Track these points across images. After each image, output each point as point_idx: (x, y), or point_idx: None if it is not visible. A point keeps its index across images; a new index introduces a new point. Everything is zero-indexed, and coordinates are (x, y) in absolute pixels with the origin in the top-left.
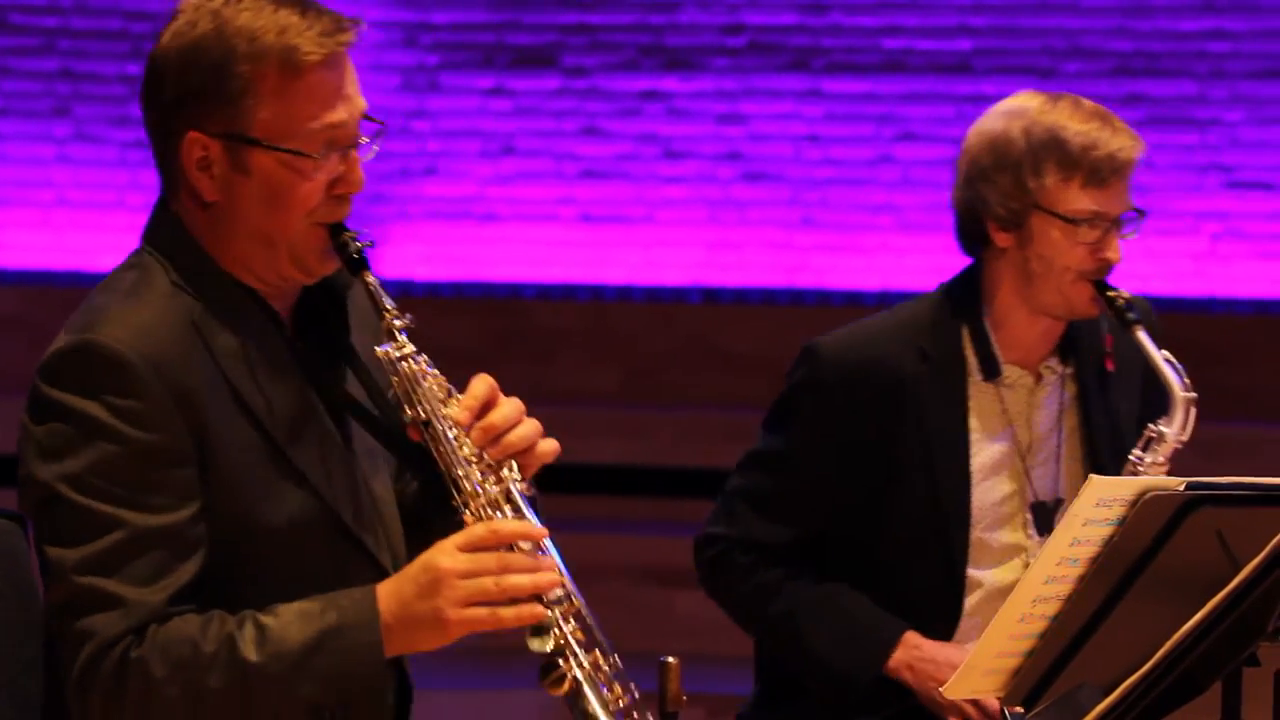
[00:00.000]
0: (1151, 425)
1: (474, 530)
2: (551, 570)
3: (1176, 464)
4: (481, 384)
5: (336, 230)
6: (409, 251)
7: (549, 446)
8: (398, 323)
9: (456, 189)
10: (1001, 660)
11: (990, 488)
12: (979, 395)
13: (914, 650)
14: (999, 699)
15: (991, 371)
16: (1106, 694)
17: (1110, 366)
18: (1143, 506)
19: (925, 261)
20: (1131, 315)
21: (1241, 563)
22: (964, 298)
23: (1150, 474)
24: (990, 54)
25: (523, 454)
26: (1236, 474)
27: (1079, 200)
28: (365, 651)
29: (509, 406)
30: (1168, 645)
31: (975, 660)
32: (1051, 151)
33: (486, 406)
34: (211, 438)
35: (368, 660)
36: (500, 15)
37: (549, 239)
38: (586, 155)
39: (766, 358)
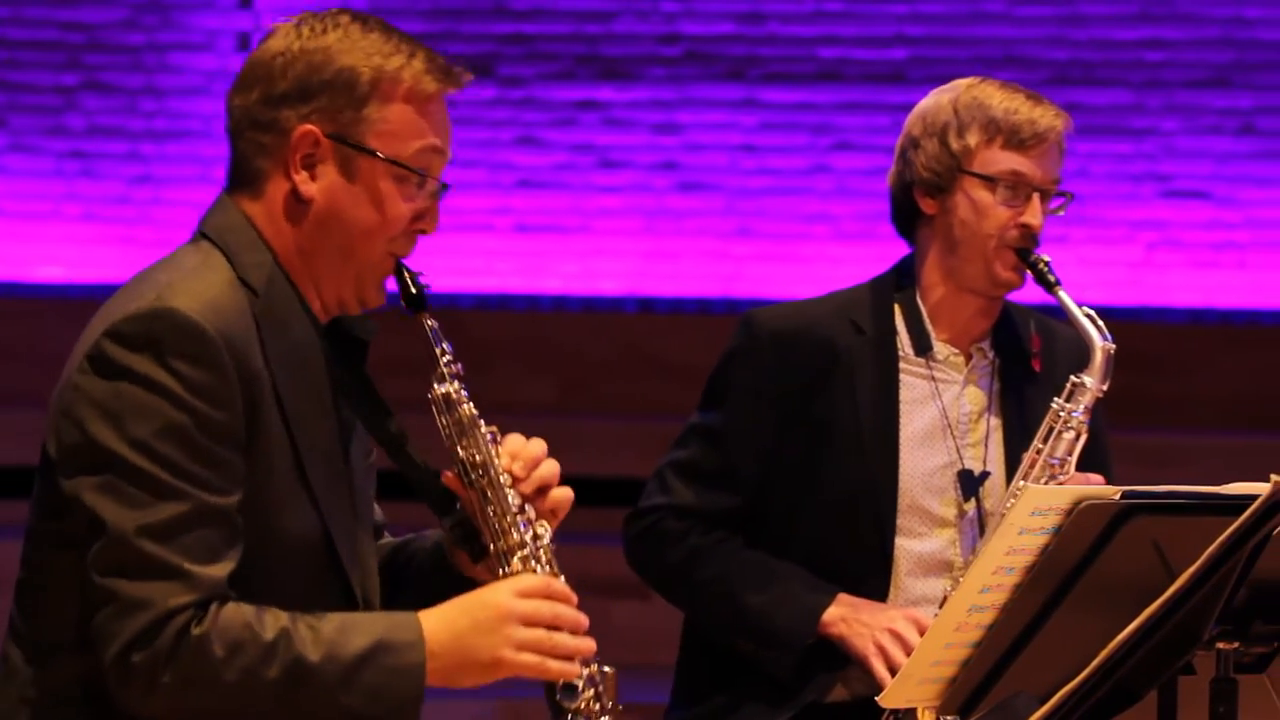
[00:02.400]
0: (1074, 376)
1: (530, 579)
2: (586, 628)
3: (1113, 473)
4: (520, 438)
5: (401, 266)
6: None
7: (566, 497)
8: (453, 367)
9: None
10: (938, 669)
11: (920, 459)
12: (910, 369)
13: (848, 606)
14: (934, 708)
15: (923, 346)
16: (1043, 703)
17: (1037, 367)
18: (1078, 515)
19: (861, 271)
20: (1053, 277)
21: (1177, 571)
22: (899, 278)
23: (1073, 423)
24: (926, 63)
25: (550, 515)
26: (1172, 483)
27: (1000, 161)
28: (411, 672)
29: (553, 465)
30: (1103, 654)
31: (911, 669)
32: (976, 116)
33: (536, 461)
34: (258, 430)
35: (411, 682)
36: (436, 25)
37: (485, 249)
38: (522, 165)
39: (702, 367)
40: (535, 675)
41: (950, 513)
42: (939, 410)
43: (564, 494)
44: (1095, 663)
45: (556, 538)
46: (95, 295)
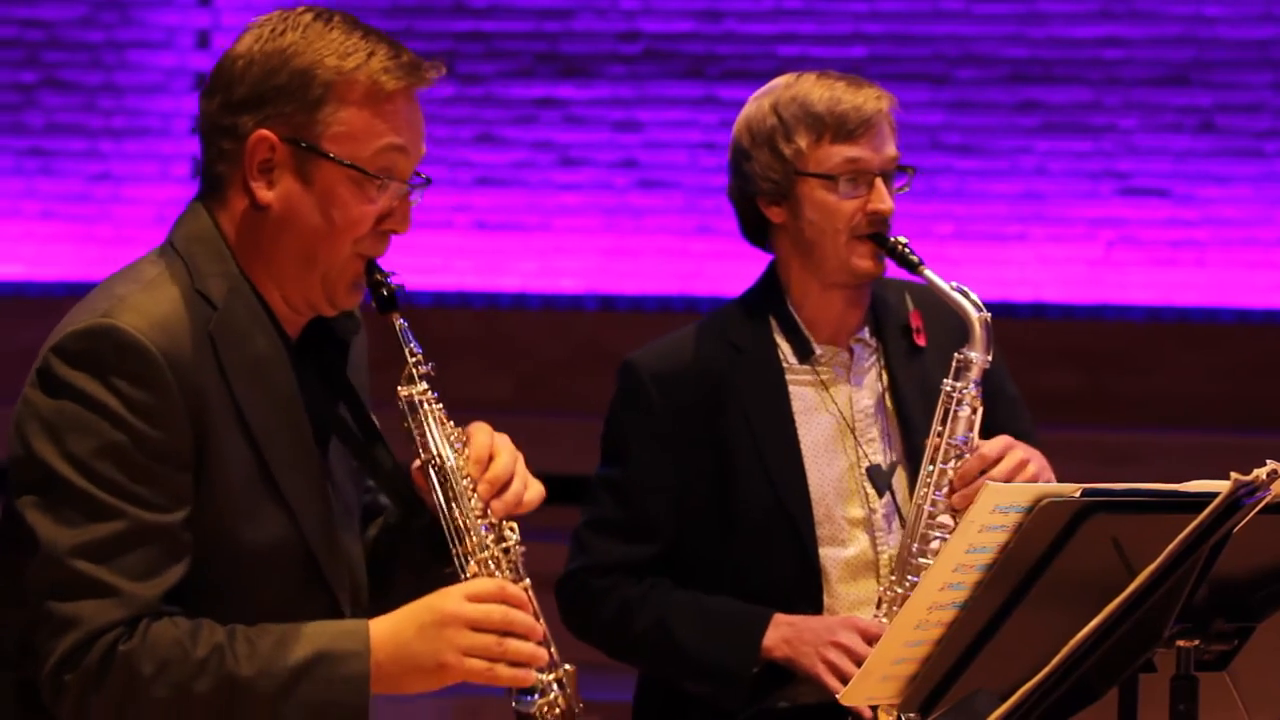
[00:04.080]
0: (958, 353)
1: (483, 583)
2: (542, 638)
3: (1072, 471)
4: (483, 434)
5: (372, 268)
6: None
7: (535, 495)
8: (421, 368)
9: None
10: (898, 666)
11: (825, 464)
12: (796, 377)
13: (786, 626)
14: (895, 705)
15: (804, 353)
16: (1003, 700)
17: (921, 342)
18: (1038, 513)
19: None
20: (915, 257)
21: (1137, 569)
22: (766, 290)
23: (966, 399)
24: (885, 61)
25: (513, 518)
26: (1132, 481)
27: (833, 156)
28: (353, 683)
29: (507, 456)
30: (1064, 651)
31: (872, 666)
32: (799, 117)
33: (490, 459)
34: (210, 447)
35: (354, 692)
36: (394, 23)
37: (444, 246)
38: (481, 162)
39: None
40: (484, 681)
41: (863, 510)
42: (834, 413)
43: (516, 493)
44: (1056, 660)
45: (523, 535)
46: (53, 293)
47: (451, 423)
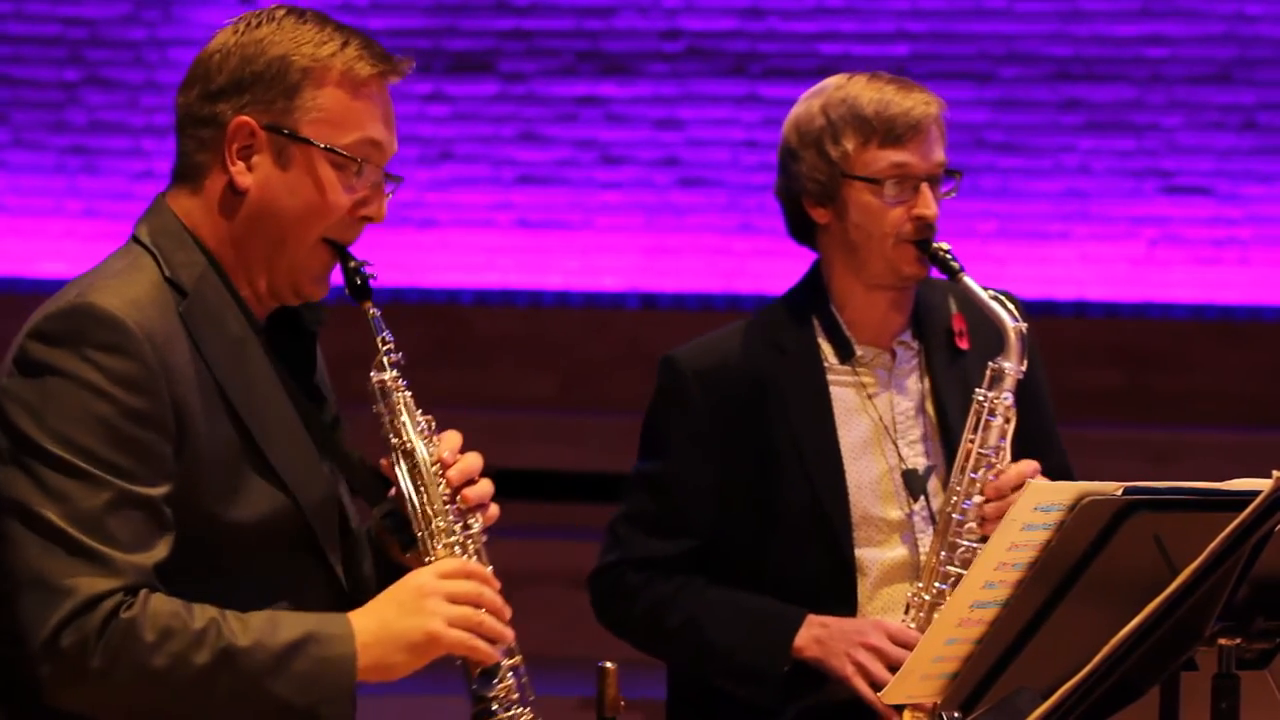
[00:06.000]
0: (992, 363)
1: (450, 562)
2: (509, 617)
3: (1115, 469)
4: (455, 432)
5: (345, 256)
6: None
7: (495, 512)
8: (392, 356)
9: (394, 195)
10: (939, 665)
11: (864, 466)
12: (838, 378)
13: (818, 627)
14: (937, 704)
15: (846, 354)
16: (1045, 699)
17: (965, 345)
18: (1080, 511)
19: None
20: (956, 264)
21: (1179, 567)
22: (810, 290)
23: (999, 410)
24: (927, 59)
25: (479, 508)
26: (1174, 479)
27: (880, 160)
28: (342, 663)
29: (476, 457)
30: (1105, 650)
31: (913, 665)
32: (847, 119)
33: (461, 451)
34: (190, 423)
35: (342, 672)
36: (437, 21)
37: (486, 245)
38: (524, 161)
39: None
40: (464, 653)
41: (901, 512)
42: (874, 415)
43: (486, 487)
44: (1098, 659)
45: (558, 533)
46: None
47: (420, 411)
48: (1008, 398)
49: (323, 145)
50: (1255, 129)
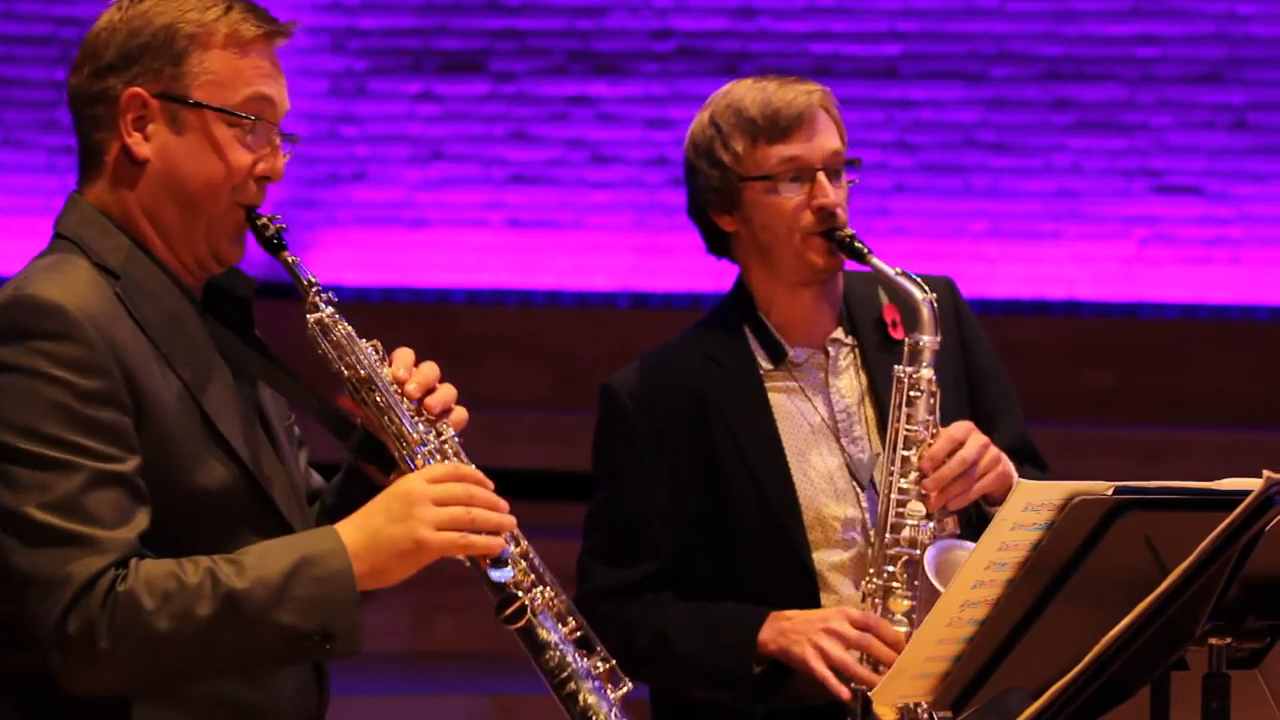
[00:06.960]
0: (909, 336)
1: (437, 466)
2: (507, 510)
3: (1105, 468)
4: (408, 351)
5: (253, 215)
6: (337, 257)
7: (462, 415)
8: (322, 295)
9: (385, 194)
10: (930, 664)
11: (812, 467)
12: (775, 384)
13: (781, 621)
14: (927, 703)
15: (778, 357)
16: (1035, 698)
17: (899, 335)
18: (1070, 511)
19: (849, 266)
20: (864, 247)
21: (1169, 567)
22: (737, 300)
23: (921, 384)
24: (918, 59)
25: (445, 414)
26: (1164, 478)
27: (770, 157)
28: (339, 578)
29: (432, 366)
30: (1096, 649)
31: (904, 664)
32: (734, 123)
33: (415, 365)
34: (145, 398)
35: (341, 586)
36: (428, 20)
37: (477, 244)
38: (515, 160)
39: None
40: (460, 553)
41: (854, 508)
42: (815, 416)
43: (449, 391)
44: (1088, 658)
45: (550, 533)
46: None
47: (364, 339)
48: (929, 371)
49: (214, 106)
50: (1246, 128)
